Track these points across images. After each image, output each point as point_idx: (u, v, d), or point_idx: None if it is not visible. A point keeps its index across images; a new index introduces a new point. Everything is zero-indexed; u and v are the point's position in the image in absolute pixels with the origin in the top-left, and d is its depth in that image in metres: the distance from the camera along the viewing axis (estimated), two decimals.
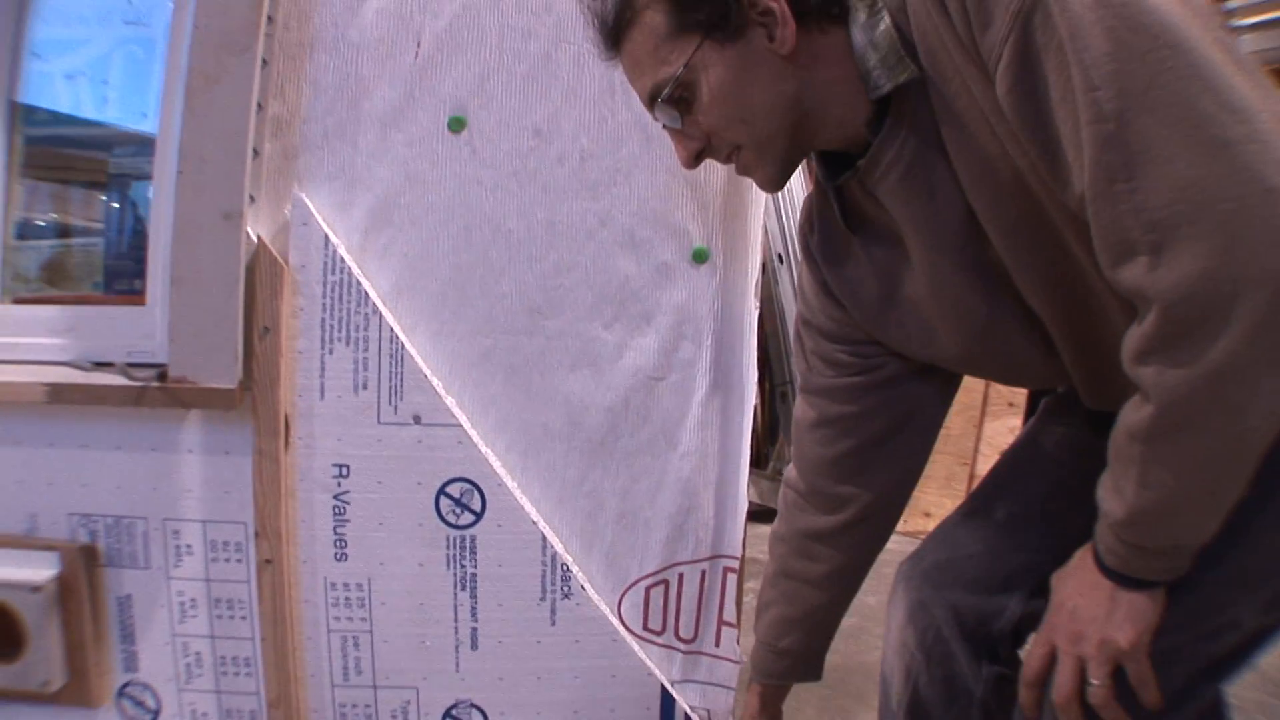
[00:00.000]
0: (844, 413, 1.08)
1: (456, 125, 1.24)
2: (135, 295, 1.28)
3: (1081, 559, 0.83)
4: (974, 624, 1.04)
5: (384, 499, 1.23)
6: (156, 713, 1.28)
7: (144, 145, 1.27)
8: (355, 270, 1.20)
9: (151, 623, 1.24)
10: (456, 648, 1.26)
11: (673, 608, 1.30)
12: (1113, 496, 0.77)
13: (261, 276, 1.18)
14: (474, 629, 1.25)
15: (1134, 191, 0.67)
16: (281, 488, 1.19)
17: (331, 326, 1.20)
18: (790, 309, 3.11)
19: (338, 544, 1.23)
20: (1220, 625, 0.80)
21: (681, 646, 1.30)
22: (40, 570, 1.20)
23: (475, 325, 1.25)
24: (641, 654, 1.28)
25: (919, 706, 1.08)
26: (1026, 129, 0.75)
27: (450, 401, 1.23)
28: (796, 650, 1.18)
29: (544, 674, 1.25)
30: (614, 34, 0.92)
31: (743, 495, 1.29)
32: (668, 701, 1.29)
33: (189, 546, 1.23)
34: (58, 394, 1.17)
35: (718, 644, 1.30)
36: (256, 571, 1.20)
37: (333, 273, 1.20)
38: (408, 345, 1.21)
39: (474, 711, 1.27)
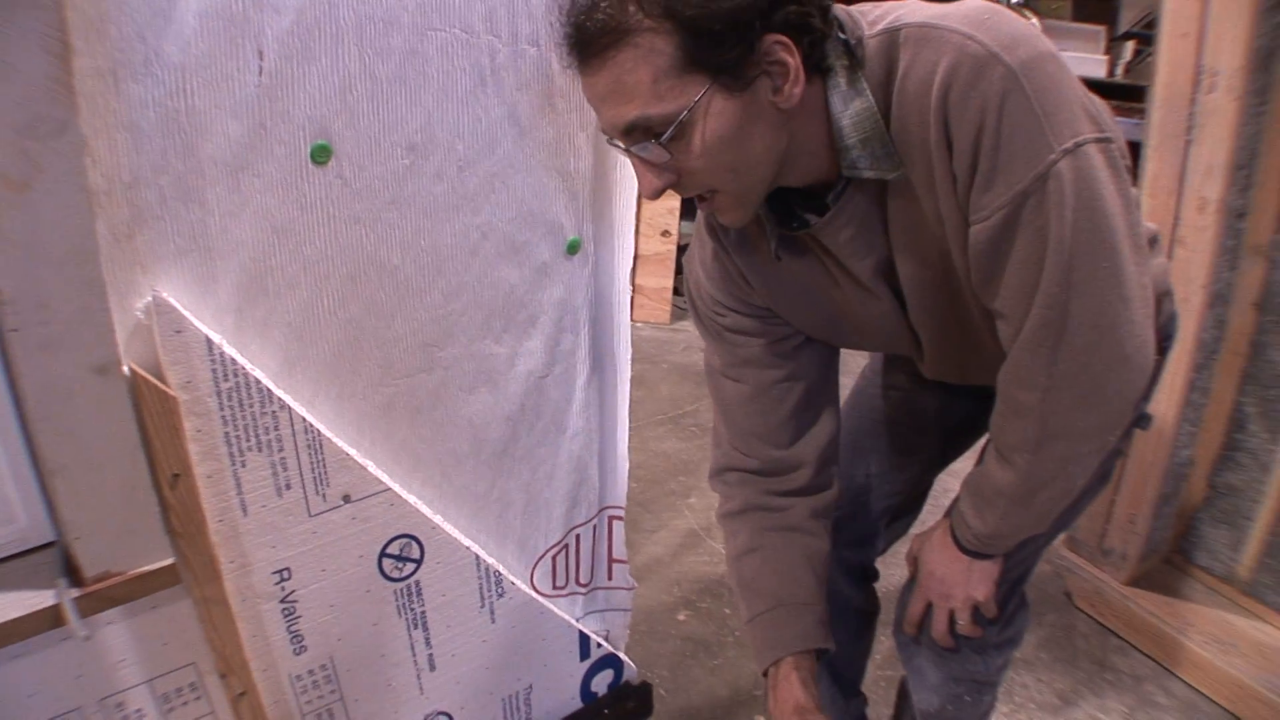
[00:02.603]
0: (774, 377, 1.16)
1: (321, 155, 1.01)
2: None
3: (942, 538, 1.17)
4: (854, 560, 1.37)
5: (330, 583, 1.14)
6: None
7: None
8: (250, 369, 1.01)
9: None
10: (418, 676, 1.28)
11: (573, 564, 1.42)
12: (976, 517, 1.11)
13: (152, 418, 0.94)
14: (430, 655, 1.28)
15: (1047, 353, 0.93)
16: (234, 623, 1.05)
17: (238, 438, 1.02)
18: None
19: (294, 640, 1.14)
20: (1028, 556, 1.21)
21: (582, 590, 1.45)
22: None
23: (374, 378, 1.13)
24: (555, 610, 1.41)
25: None
26: (980, 261, 0.93)
27: (372, 467, 1.13)
28: (811, 600, 1.16)
29: (492, 663, 1.33)
30: (595, 46, 0.85)
31: (623, 454, 1.41)
32: (583, 637, 1.45)
33: (138, 711, 1.05)
34: None
35: (610, 578, 1.47)
36: (231, 705, 1.08)
37: (225, 379, 0.99)
38: (323, 431, 1.08)
39: (441, 718, 1.32)
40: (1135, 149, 1.97)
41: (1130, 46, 3.51)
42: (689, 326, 4.10)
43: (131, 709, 1.07)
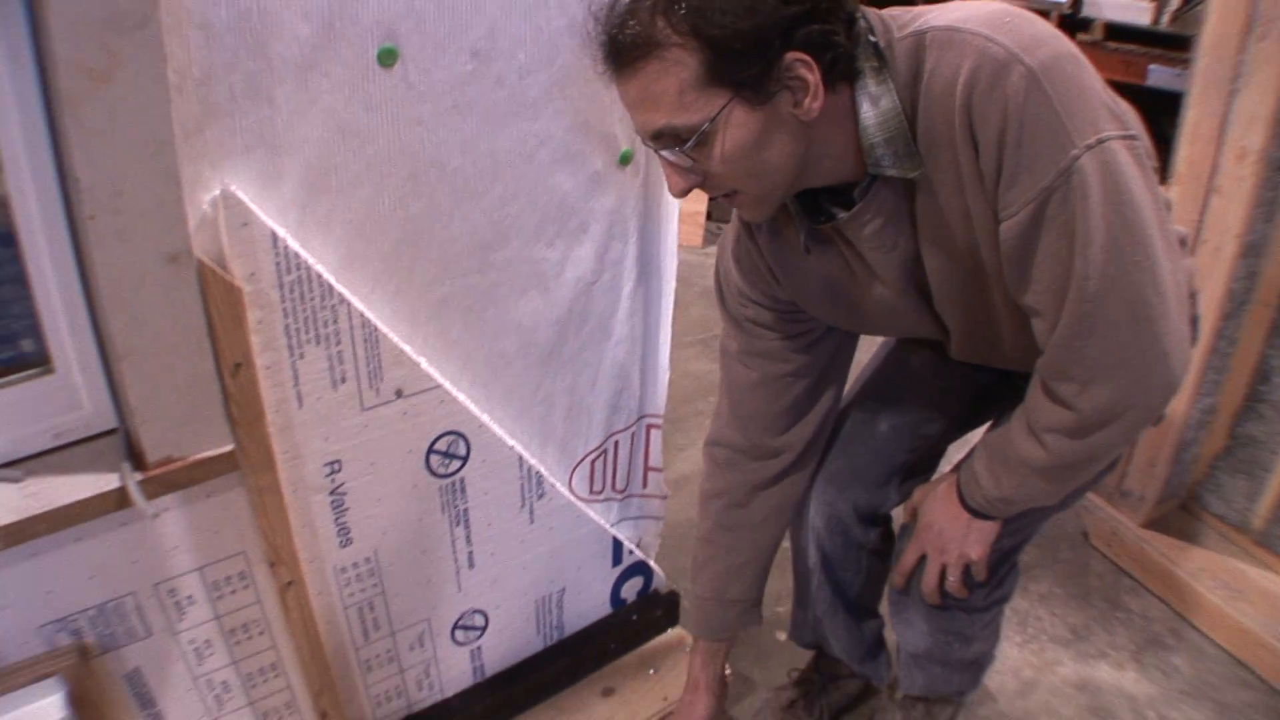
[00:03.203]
0: (783, 370, 1.24)
1: (388, 58, 1.01)
2: (29, 363, 0.96)
3: (946, 492, 1.20)
4: (866, 509, 1.40)
5: (378, 477, 1.18)
6: None
7: None
8: (314, 264, 1.02)
9: (168, 679, 1.12)
10: (457, 572, 1.32)
11: (610, 469, 1.46)
12: (990, 479, 1.13)
13: (217, 308, 0.96)
14: (470, 552, 1.32)
15: (1085, 347, 0.96)
16: (285, 513, 1.09)
17: (297, 330, 1.04)
18: None
19: (341, 533, 1.17)
20: (1026, 526, 1.25)
21: (618, 496, 1.48)
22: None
23: (430, 275, 1.15)
24: (591, 514, 1.45)
25: (828, 559, 1.44)
26: (1011, 256, 0.96)
27: (424, 364, 1.16)
28: (743, 598, 1.36)
29: (528, 563, 1.37)
30: (626, 56, 0.90)
31: (664, 364, 1.43)
32: (616, 543, 1.49)
33: (189, 597, 1.10)
34: (16, 535, 0.91)
35: (645, 485, 1.51)
36: (279, 595, 1.12)
37: (288, 272, 1.01)
38: (380, 326, 1.10)
39: (477, 615, 1.37)
40: (1177, 100, 1.95)
41: None
42: None
43: (183, 594, 1.11)
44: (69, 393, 0.98)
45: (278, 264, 1.00)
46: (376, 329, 1.10)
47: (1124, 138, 0.89)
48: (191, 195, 0.94)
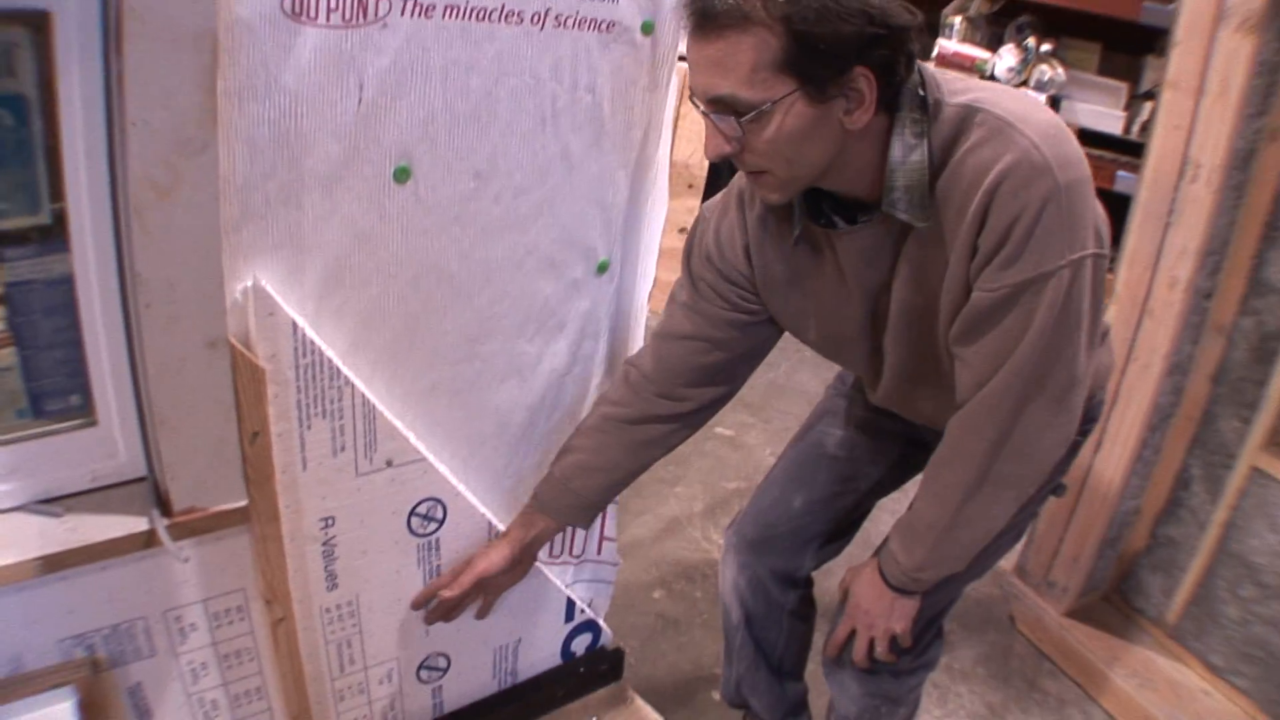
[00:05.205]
0: (715, 336, 1.35)
1: (402, 176, 1.20)
2: (75, 414, 1.14)
3: (871, 574, 1.36)
4: (784, 574, 1.56)
5: (365, 533, 1.34)
6: None
7: (47, 242, 1.05)
8: (325, 350, 1.20)
9: (165, 695, 1.29)
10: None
11: (568, 536, 1.61)
12: (904, 553, 1.29)
13: (243, 384, 1.14)
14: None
15: (1009, 413, 1.13)
16: (284, 558, 1.25)
17: (307, 405, 1.21)
18: None
19: (329, 578, 1.34)
20: (944, 596, 1.42)
21: (574, 561, 1.64)
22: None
23: (423, 363, 1.32)
24: (549, 575, 1.61)
25: (750, 618, 1.60)
26: (971, 318, 1.13)
27: (413, 439, 1.33)
28: (584, 495, 1.41)
29: (491, 614, 1.53)
30: (716, 22, 0.97)
31: None
32: (570, 602, 1.65)
33: (192, 624, 1.26)
34: (54, 564, 1.08)
35: (599, 552, 1.66)
36: (270, 628, 1.29)
37: (303, 356, 1.19)
38: (377, 404, 1.27)
39: (440, 658, 1.53)
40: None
41: (1149, 107, 3.64)
42: None
43: (187, 622, 1.28)
44: (108, 443, 1.16)
45: (295, 348, 1.18)
46: (374, 407, 1.27)
47: (1097, 255, 1.07)
48: (227, 285, 1.12)
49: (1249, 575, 2.02)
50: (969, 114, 1.05)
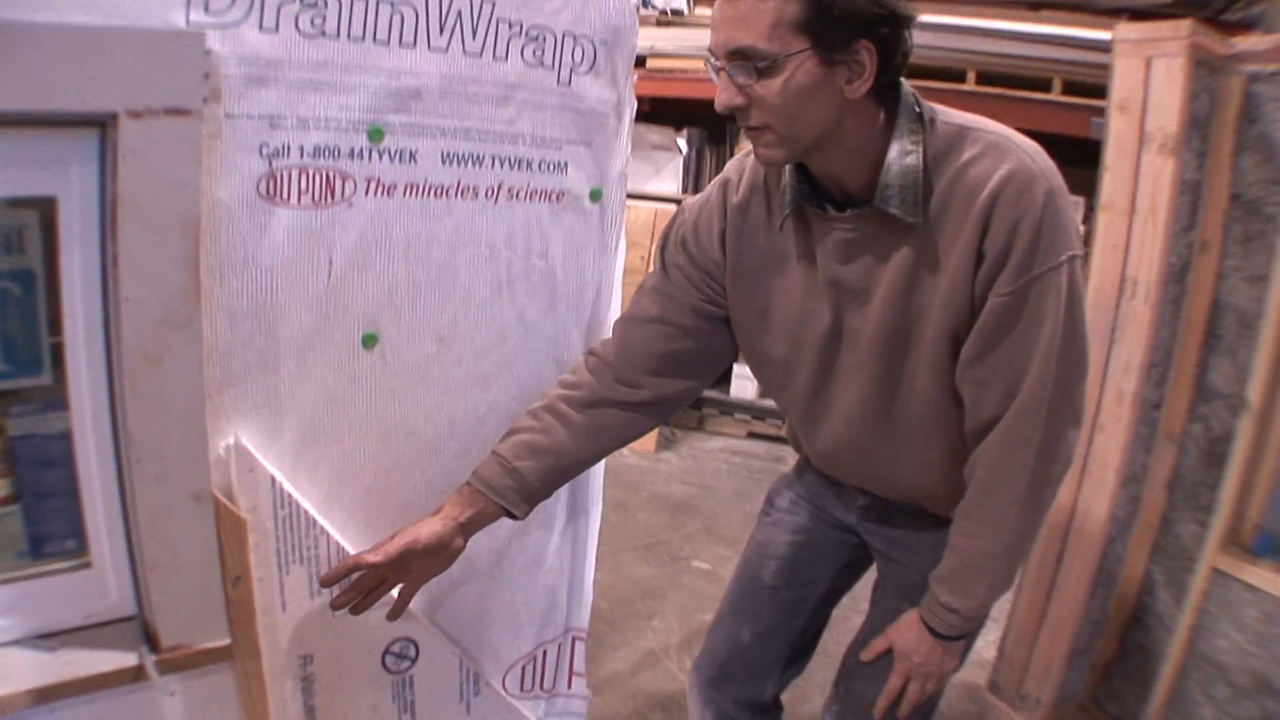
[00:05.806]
0: (681, 322, 1.38)
1: (370, 341, 1.34)
2: (71, 555, 1.25)
3: (911, 625, 1.37)
4: (749, 702, 1.60)
5: (341, 670, 1.44)
6: None
7: (48, 401, 1.18)
8: (302, 502, 1.32)
9: None
10: None
11: (539, 672, 1.70)
12: (961, 598, 1.31)
13: (225, 533, 1.25)
14: None
15: (1049, 406, 1.20)
16: (265, 693, 1.34)
17: (285, 553, 1.33)
18: None
19: (308, 713, 1.42)
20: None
21: (545, 695, 1.73)
22: None
23: (394, 514, 1.42)
24: (521, 709, 1.69)
25: None
26: (986, 327, 1.18)
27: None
28: (527, 478, 1.36)
29: None
30: None
31: (589, 586, 1.71)
32: None
33: None
34: (47, 695, 1.17)
35: (569, 686, 1.75)
36: None
37: (281, 507, 1.31)
38: (351, 551, 1.37)
39: None
40: None
41: None
42: (671, 457, 4.43)
43: None
44: (101, 584, 1.25)
45: (274, 501, 1.30)
46: (348, 554, 1.37)
47: (1083, 256, 1.17)
48: (211, 443, 1.24)
49: (1220, 676, 2.07)
50: (963, 133, 1.18)
